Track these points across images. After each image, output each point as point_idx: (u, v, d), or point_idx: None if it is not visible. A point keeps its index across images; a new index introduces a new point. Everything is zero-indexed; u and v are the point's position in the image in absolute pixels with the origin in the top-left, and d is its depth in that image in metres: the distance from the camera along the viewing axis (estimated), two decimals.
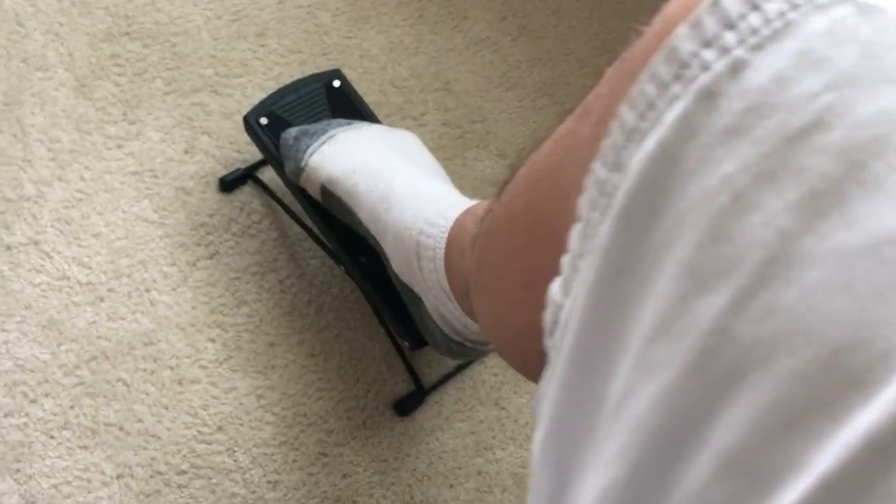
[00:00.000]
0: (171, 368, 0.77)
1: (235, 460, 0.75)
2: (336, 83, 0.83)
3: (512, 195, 0.47)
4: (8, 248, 0.76)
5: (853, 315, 0.24)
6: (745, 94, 0.27)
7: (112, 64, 0.86)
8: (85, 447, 0.72)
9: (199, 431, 0.75)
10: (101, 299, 0.77)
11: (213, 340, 0.79)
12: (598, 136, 0.32)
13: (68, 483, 0.71)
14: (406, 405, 0.81)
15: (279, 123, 0.80)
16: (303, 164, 0.75)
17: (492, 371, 0.87)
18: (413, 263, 0.69)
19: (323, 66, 0.91)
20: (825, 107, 0.26)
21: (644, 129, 0.30)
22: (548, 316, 0.34)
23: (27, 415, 0.72)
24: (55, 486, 0.71)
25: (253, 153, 0.85)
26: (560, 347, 0.32)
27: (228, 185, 0.84)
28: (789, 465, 0.23)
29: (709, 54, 0.29)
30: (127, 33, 0.88)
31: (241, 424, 0.77)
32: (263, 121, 0.80)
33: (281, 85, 0.83)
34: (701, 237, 0.27)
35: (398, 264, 0.72)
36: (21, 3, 0.86)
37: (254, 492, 0.75)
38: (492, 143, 0.94)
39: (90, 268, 0.78)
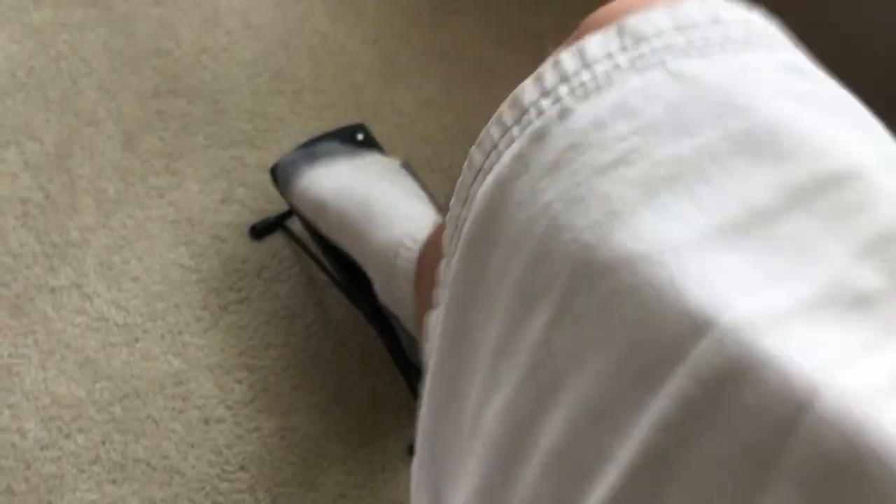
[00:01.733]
0: (199, 408, 0.80)
1: (256, 499, 0.78)
2: (360, 136, 0.87)
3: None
4: (52, 290, 0.81)
5: (641, 315, 0.26)
6: (568, 134, 0.31)
7: (158, 119, 0.92)
8: (113, 481, 0.75)
9: (222, 469, 0.78)
10: (136, 340, 0.81)
11: (240, 382, 0.82)
12: None
13: None
14: None
15: None
16: (289, 197, 0.80)
17: None
18: (395, 287, 0.71)
19: (356, 120, 0.95)
20: (631, 147, 0.30)
21: (487, 168, 0.34)
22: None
23: (61, 448, 0.75)
24: None
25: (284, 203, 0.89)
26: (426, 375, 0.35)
27: (259, 232, 0.88)
28: (601, 458, 0.26)
29: (545, 103, 0.32)
30: (173, 90, 0.94)
31: (264, 464, 0.79)
32: None
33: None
34: (527, 260, 0.30)
35: (382, 290, 0.73)
36: (76, 63, 0.93)
37: None
38: None
39: (127, 310, 0.82)
